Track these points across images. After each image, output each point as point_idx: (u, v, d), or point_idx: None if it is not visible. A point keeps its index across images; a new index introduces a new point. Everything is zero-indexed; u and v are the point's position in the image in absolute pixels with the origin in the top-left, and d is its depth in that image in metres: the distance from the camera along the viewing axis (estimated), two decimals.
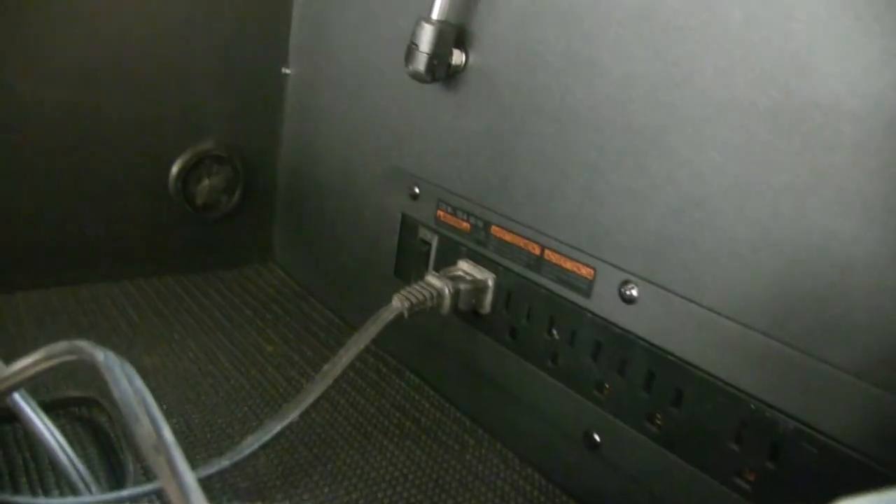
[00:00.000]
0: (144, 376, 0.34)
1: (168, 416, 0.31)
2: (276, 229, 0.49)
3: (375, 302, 0.30)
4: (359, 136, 0.39)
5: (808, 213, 0.21)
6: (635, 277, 0.26)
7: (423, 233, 0.34)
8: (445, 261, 0.33)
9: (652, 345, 0.25)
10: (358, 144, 0.39)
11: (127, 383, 0.15)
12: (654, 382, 0.26)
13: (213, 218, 0.46)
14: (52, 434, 0.22)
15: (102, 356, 0.16)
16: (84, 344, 0.17)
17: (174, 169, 0.43)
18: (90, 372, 0.16)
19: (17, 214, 0.38)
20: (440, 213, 0.33)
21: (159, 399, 0.32)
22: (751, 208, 0.22)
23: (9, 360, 0.33)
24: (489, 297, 0.31)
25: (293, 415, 0.25)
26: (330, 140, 0.42)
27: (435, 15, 0.30)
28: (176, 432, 0.30)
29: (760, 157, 0.22)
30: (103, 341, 0.36)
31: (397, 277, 0.36)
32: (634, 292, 0.26)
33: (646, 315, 0.25)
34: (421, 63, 0.30)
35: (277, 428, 0.25)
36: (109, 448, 0.28)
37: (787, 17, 0.21)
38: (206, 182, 0.44)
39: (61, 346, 0.17)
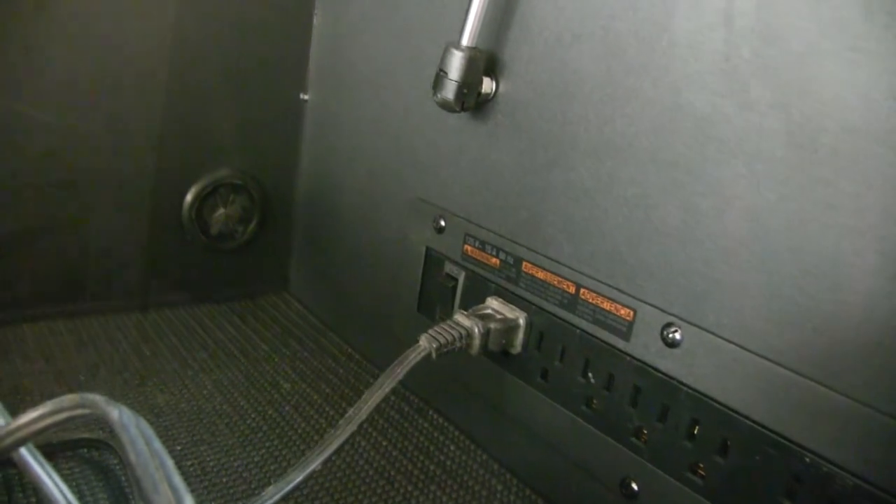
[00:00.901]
0: (158, 415, 0.33)
1: (182, 457, 0.30)
2: (293, 261, 0.48)
3: (397, 338, 0.28)
4: (381, 166, 0.38)
5: (870, 257, 0.20)
6: (679, 320, 0.24)
7: (449, 268, 0.33)
8: (473, 298, 0.32)
9: (696, 391, 0.24)
10: (380, 174, 0.38)
11: (144, 445, 0.14)
12: (697, 431, 0.24)
13: (228, 248, 0.45)
14: (58, 489, 0.21)
15: (117, 413, 0.15)
16: (96, 398, 0.15)
17: (188, 197, 0.42)
18: None
19: (26, 244, 0.37)
20: (467, 247, 0.32)
21: (172, 439, 0.31)
22: (807, 250, 0.21)
23: (16, 396, 0.32)
24: (520, 337, 0.30)
25: (316, 464, 0.24)
26: (350, 168, 0.41)
27: (465, 41, 0.29)
28: (190, 475, 0.29)
29: (819, 196, 0.21)
30: (114, 377, 0.35)
31: (420, 314, 0.35)
32: (678, 335, 0.24)
33: (690, 360, 0.24)
34: (450, 91, 0.29)
35: (300, 478, 0.24)
36: (120, 493, 0.26)
37: (852, 48, 0.20)
38: (221, 211, 0.44)
39: (71, 399, 0.16)
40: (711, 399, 0.24)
